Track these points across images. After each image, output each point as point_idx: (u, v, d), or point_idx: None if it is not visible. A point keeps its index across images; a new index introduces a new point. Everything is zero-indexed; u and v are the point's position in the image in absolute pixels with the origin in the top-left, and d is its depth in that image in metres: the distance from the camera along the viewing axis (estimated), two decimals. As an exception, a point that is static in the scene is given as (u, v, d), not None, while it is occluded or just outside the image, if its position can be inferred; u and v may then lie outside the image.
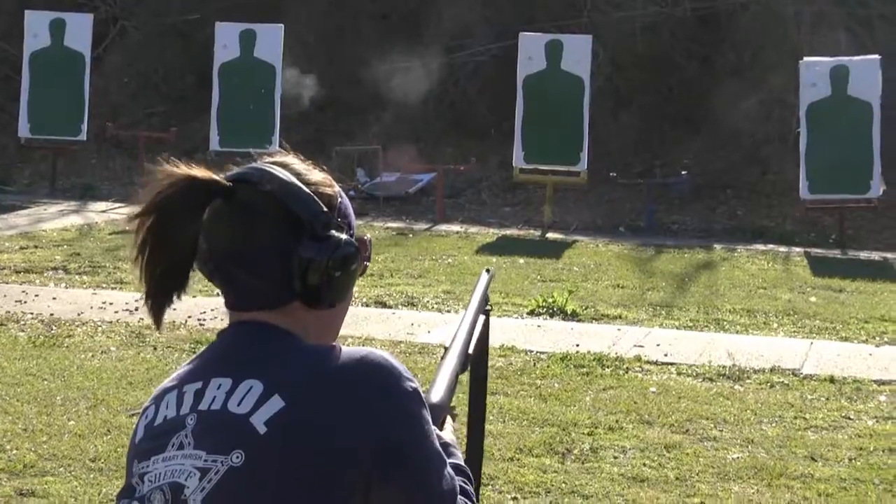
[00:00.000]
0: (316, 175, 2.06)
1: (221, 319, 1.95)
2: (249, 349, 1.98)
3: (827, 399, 7.84)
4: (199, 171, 1.97)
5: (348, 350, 1.96)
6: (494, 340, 8.98)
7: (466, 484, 2.04)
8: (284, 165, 2.04)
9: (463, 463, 2.11)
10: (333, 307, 2.02)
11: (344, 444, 1.88)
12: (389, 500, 1.91)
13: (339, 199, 2.06)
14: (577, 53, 16.20)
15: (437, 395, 2.16)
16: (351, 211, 2.09)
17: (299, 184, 1.99)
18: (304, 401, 1.90)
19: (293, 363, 1.94)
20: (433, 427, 1.98)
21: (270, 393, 1.91)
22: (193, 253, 1.98)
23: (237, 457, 1.89)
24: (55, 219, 15.10)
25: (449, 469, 1.97)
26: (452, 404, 2.23)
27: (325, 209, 2.00)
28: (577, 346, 8.97)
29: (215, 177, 1.98)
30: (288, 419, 1.89)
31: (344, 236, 2.00)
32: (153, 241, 1.95)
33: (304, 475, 1.87)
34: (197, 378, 1.99)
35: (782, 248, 14.66)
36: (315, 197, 2.00)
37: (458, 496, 1.96)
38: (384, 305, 10.36)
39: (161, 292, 1.98)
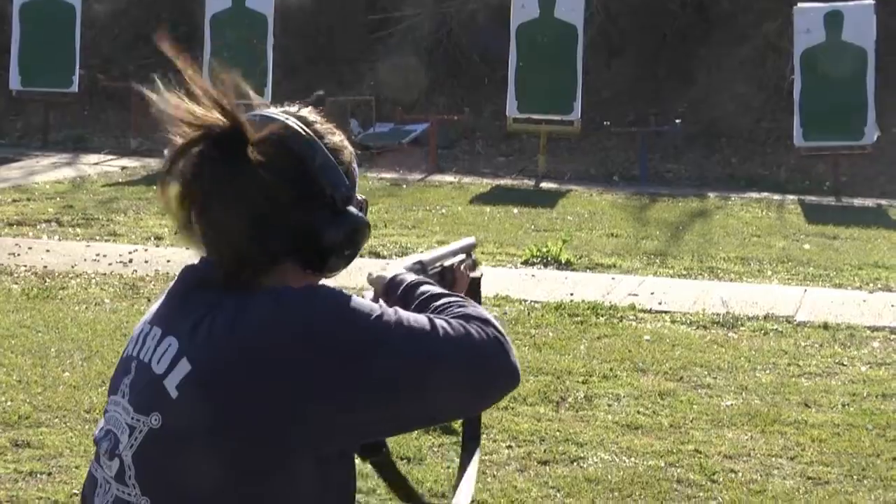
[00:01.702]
0: (335, 138, 1.96)
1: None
2: (186, 300, 1.92)
3: (820, 346, 7.86)
4: (218, 117, 1.86)
5: (266, 301, 1.86)
6: (489, 290, 8.98)
7: (459, 306, 1.95)
8: (306, 123, 1.93)
9: (421, 279, 2.05)
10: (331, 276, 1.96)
11: (255, 412, 1.81)
12: (373, 413, 1.85)
13: (353, 166, 1.97)
14: (571, 1, 16.11)
15: (392, 270, 2.15)
16: (357, 175, 2.00)
17: (325, 150, 1.90)
18: (207, 366, 1.84)
19: (213, 322, 1.86)
20: (376, 313, 1.86)
21: (181, 355, 1.86)
22: (206, 197, 1.89)
23: (155, 419, 1.87)
24: (48, 171, 15.06)
25: (415, 318, 1.87)
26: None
27: (348, 182, 1.91)
28: (572, 295, 8.97)
29: (240, 124, 1.86)
30: (195, 385, 1.84)
31: (358, 213, 1.92)
32: (185, 190, 1.88)
33: (217, 441, 1.82)
34: (151, 320, 1.96)
35: (776, 196, 14.65)
36: (339, 167, 1.91)
37: (453, 322, 1.88)
38: (378, 256, 10.35)
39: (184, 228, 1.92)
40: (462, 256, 2.43)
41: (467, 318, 1.90)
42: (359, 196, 1.97)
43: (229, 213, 1.87)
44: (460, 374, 1.86)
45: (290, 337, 1.83)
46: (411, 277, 2.08)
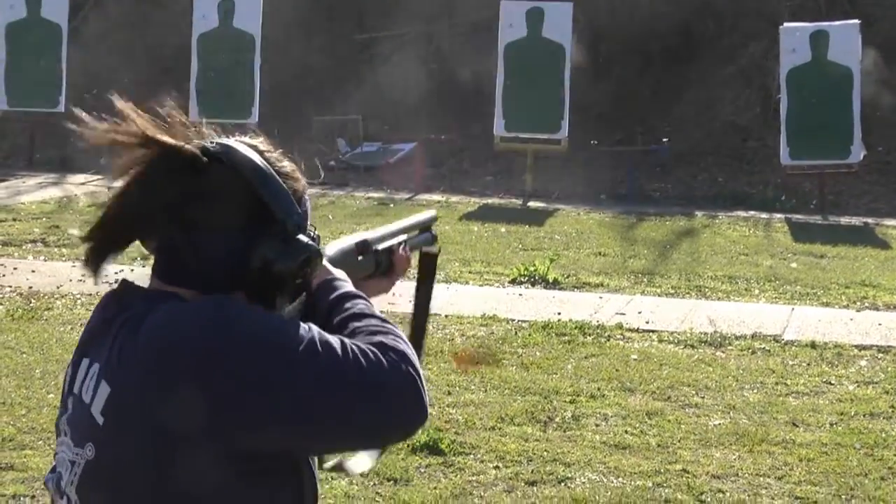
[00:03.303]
0: (286, 165, 1.94)
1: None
2: (108, 323, 1.90)
3: (808, 365, 7.85)
4: (173, 140, 1.87)
5: (167, 307, 1.84)
6: (476, 309, 8.97)
7: (375, 329, 1.88)
8: (258, 151, 1.92)
9: (352, 292, 1.97)
10: (278, 308, 1.92)
11: (170, 424, 1.78)
12: (274, 434, 1.80)
13: (306, 197, 1.96)
14: (558, 21, 16.15)
15: (330, 249, 2.10)
16: (310, 205, 1.98)
17: (277, 177, 1.88)
18: (122, 384, 1.82)
19: (122, 337, 1.85)
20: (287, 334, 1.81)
21: (101, 378, 1.85)
22: (154, 225, 1.88)
23: (90, 450, 1.86)
24: (34, 191, 15.02)
25: (327, 345, 1.80)
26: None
27: (299, 209, 1.89)
28: (559, 314, 8.96)
29: (189, 148, 1.87)
30: (114, 405, 1.83)
31: (310, 242, 1.89)
32: (121, 202, 1.88)
33: (145, 460, 1.81)
34: (79, 352, 1.94)
35: (763, 215, 14.67)
36: (290, 194, 1.89)
37: (364, 349, 1.81)
38: (365, 275, 10.32)
39: (102, 248, 1.91)
40: (403, 237, 2.29)
41: (383, 347, 1.83)
42: (312, 230, 1.94)
43: (179, 232, 1.87)
44: (363, 405, 1.78)
45: (181, 344, 1.79)
46: (344, 287, 1.99)
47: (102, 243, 1.91)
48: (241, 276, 1.86)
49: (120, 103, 1.88)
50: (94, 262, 1.92)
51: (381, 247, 2.22)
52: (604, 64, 18.37)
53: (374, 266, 2.21)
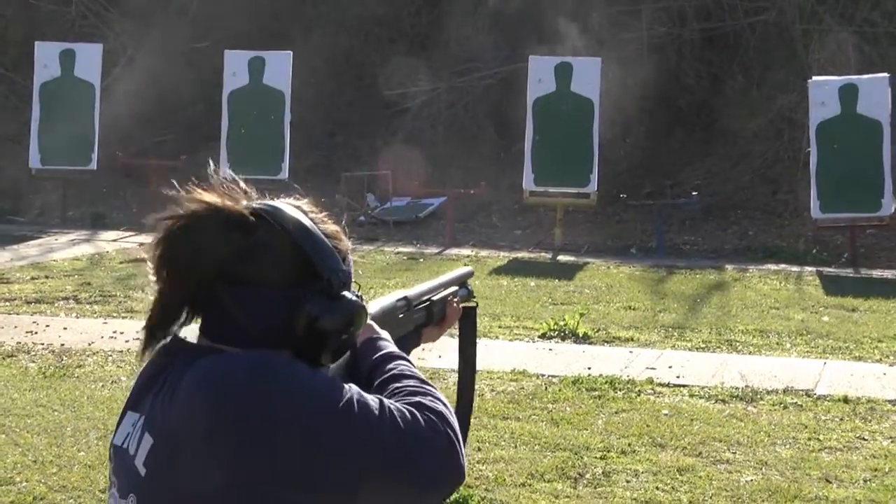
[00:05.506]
0: (331, 226, 1.99)
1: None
2: (154, 377, 1.93)
3: (841, 420, 7.78)
4: (223, 200, 1.92)
5: (207, 361, 1.85)
6: (505, 364, 8.96)
7: (415, 390, 1.92)
8: (303, 211, 1.97)
9: (394, 353, 2.03)
10: (324, 365, 1.94)
11: (209, 476, 1.81)
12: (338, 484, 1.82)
13: (350, 257, 2.00)
14: (587, 75, 16.23)
15: (373, 307, 2.16)
16: (352, 266, 2.02)
17: (322, 235, 1.93)
18: (165, 437, 1.85)
19: (163, 390, 1.88)
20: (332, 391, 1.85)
21: (144, 430, 1.88)
22: (205, 284, 1.90)
23: (132, 501, 1.88)
24: (66, 248, 15.11)
25: (369, 408, 1.84)
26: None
27: (343, 267, 1.93)
28: (589, 369, 8.93)
29: (239, 208, 1.91)
30: (156, 457, 1.85)
31: (355, 299, 1.92)
32: (170, 265, 1.91)
33: None
34: (128, 405, 1.98)
35: (794, 268, 14.60)
36: (335, 252, 1.93)
37: (406, 417, 1.85)
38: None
39: (161, 323, 1.94)
40: (454, 288, 2.39)
41: (421, 407, 1.87)
42: (356, 288, 1.98)
43: (227, 289, 1.90)
44: (399, 464, 1.82)
45: (220, 397, 1.81)
46: (387, 348, 2.06)
47: (161, 317, 1.93)
48: (287, 333, 1.90)
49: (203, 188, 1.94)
50: (152, 341, 1.95)
51: (436, 297, 2.33)
52: (632, 117, 18.41)
53: (428, 317, 2.30)
